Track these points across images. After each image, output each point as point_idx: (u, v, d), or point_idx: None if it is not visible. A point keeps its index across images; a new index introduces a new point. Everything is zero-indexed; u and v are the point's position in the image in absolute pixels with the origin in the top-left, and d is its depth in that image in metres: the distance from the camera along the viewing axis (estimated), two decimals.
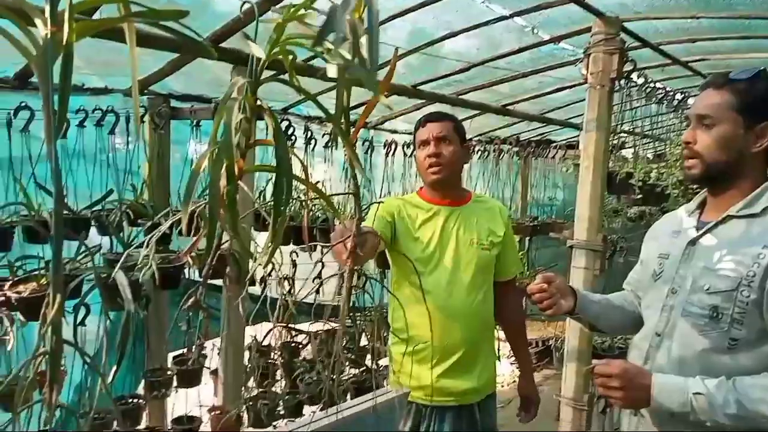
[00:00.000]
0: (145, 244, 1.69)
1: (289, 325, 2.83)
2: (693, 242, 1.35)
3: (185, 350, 2.34)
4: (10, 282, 1.59)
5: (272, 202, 0.89)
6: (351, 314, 2.94)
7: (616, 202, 3.45)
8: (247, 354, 2.60)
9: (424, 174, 2.00)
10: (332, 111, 0.90)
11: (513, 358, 2.49)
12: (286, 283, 2.63)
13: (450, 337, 1.92)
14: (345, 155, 3.17)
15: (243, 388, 2.31)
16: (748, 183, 1.31)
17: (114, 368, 1.64)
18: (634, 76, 2.03)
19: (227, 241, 2.10)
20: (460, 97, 2.96)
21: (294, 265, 2.77)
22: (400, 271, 2.04)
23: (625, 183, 2.36)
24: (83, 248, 1.78)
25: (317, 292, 2.68)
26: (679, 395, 1.22)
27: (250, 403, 2.24)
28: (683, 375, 1.26)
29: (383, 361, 2.90)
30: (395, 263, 2.06)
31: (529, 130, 4.17)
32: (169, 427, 2.07)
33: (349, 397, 2.64)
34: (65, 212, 1.89)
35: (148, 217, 2.13)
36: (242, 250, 1.73)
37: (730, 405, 1.17)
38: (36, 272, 1.73)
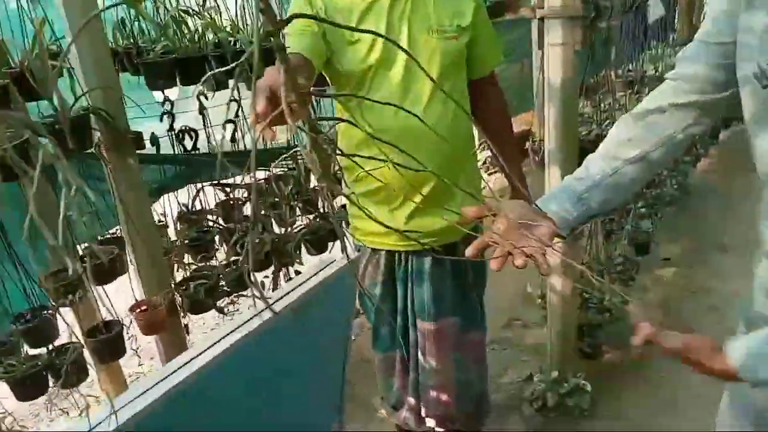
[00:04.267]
0: None
1: (220, 182, 2.33)
2: None
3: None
4: None
5: None
6: (294, 154, 2.44)
7: None
8: (172, 229, 2.14)
9: None
10: None
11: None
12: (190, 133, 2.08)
13: (414, 166, 1.45)
14: None
15: (170, 272, 1.87)
16: None
17: None
18: None
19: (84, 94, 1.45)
20: None
21: (201, 110, 2.19)
22: (341, 90, 1.52)
23: None
24: None
25: (232, 140, 2.14)
26: None
27: (182, 287, 1.81)
28: None
29: (341, 201, 2.48)
30: (334, 80, 1.53)
31: None
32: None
33: (304, 252, 2.25)
34: None
35: None
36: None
37: None
38: None
